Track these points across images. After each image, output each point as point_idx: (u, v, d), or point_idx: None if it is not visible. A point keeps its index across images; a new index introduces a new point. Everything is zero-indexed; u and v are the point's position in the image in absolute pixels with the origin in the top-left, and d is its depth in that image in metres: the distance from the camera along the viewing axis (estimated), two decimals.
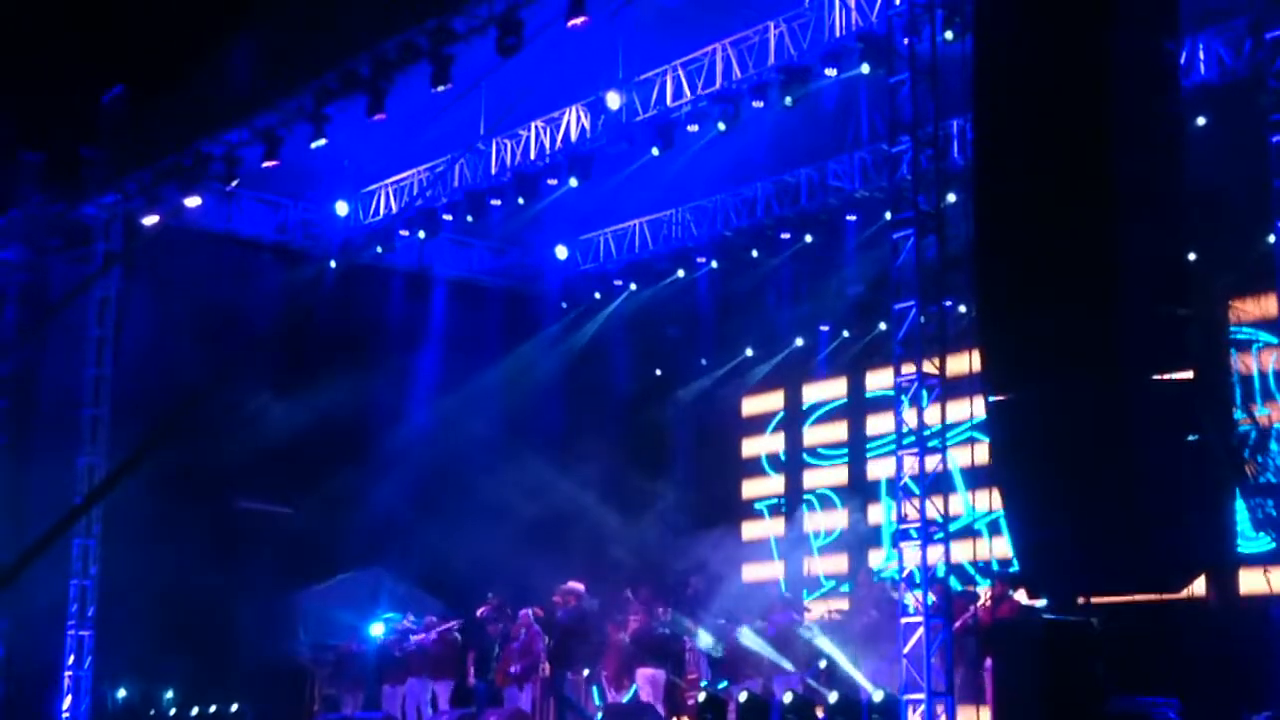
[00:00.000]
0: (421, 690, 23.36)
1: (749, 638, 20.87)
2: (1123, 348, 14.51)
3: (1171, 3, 14.83)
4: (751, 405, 29.51)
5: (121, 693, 25.52)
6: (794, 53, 20.52)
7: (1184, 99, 17.96)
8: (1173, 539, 14.32)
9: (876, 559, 25.82)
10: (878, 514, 26.35)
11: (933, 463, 16.81)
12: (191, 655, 24.81)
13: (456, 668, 23.03)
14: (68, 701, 24.36)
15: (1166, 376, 14.40)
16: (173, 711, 25.22)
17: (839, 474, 27.79)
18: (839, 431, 27.92)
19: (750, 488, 29.16)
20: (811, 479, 28.21)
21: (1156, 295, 14.75)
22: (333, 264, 27.11)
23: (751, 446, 29.43)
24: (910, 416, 17.00)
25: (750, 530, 28.76)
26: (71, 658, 24.44)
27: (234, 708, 24.48)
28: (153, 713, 25.29)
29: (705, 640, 21.76)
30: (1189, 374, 14.39)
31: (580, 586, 21.65)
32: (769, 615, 22.22)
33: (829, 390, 28.20)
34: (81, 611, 24.50)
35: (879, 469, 25.93)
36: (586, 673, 22.46)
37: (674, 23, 20.93)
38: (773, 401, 29.19)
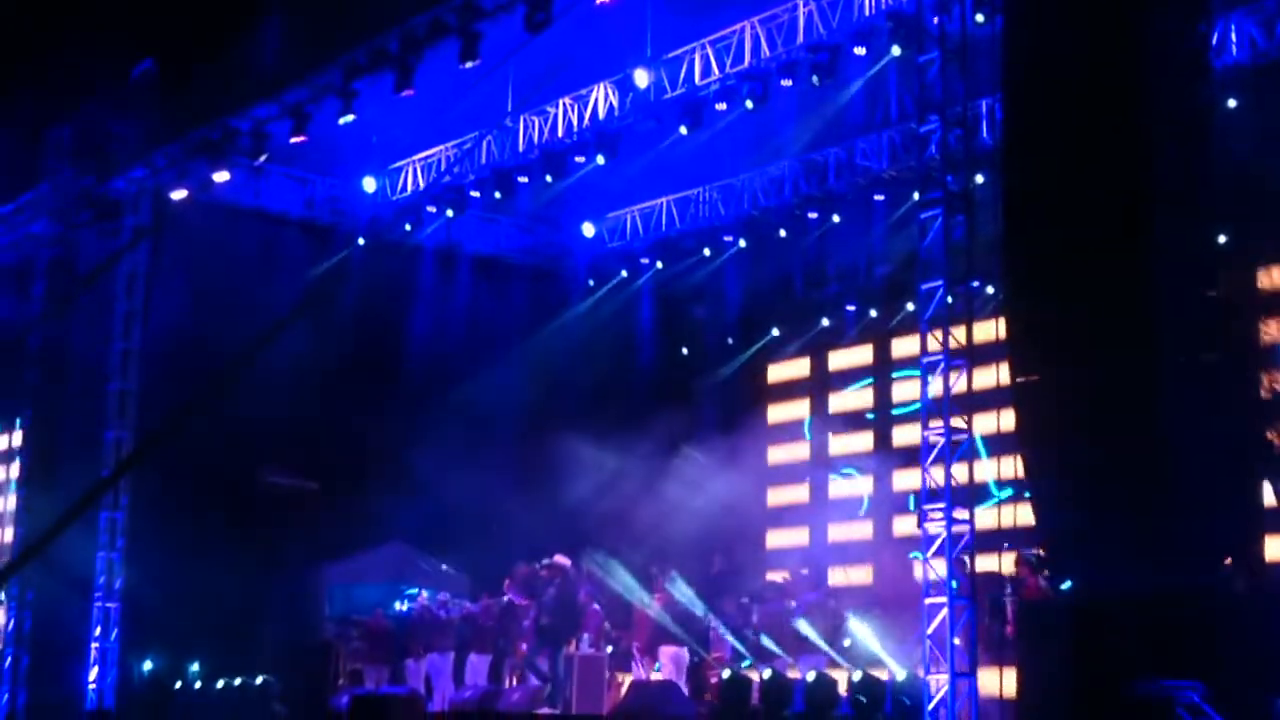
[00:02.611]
0: (443, 664, 23.45)
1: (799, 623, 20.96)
2: (1152, 330, 14.48)
3: None
4: (778, 372, 29.46)
5: (147, 665, 25.63)
6: (823, 31, 20.45)
7: (1216, 80, 17.89)
8: (1200, 521, 14.29)
9: (902, 526, 25.77)
10: (904, 480, 26.22)
11: (958, 443, 16.76)
12: (217, 628, 24.90)
13: (493, 642, 23.03)
14: (94, 673, 24.51)
15: (1195, 358, 14.36)
16: (198, 684, 25.30)
17: (865, 440, 27.71)
18: (865, 398, 27.84)
19: (776, 454, 29.11)
20: (838, 445, 28.15)
21: (1187, 278, 14.72)
22: (360, 241, 27.12)
23: (778, 413, 29.37)
24: (936, 389, 16.95)
25: (776, 496, 28.72)
26: (98, 629, 24.57)
27: (259, 681, 24.55)
28: (178, 685, 25.39)
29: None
30: (1219, 356, 14.35)
31: (567, 561, 21.64)
32: (797, 595, 22.30)
33: (855, 357, 28.10)
34: (109, 584, 24.63)
35: (905, 435, 25.79)
36: (611, 649, 22.47)
37: (703, 0, 20.89)
38: (799, 368, 29.13)
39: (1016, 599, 17.97)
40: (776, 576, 25.62)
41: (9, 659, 25.06)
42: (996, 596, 18.26)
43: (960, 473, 16.76)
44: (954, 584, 16.43)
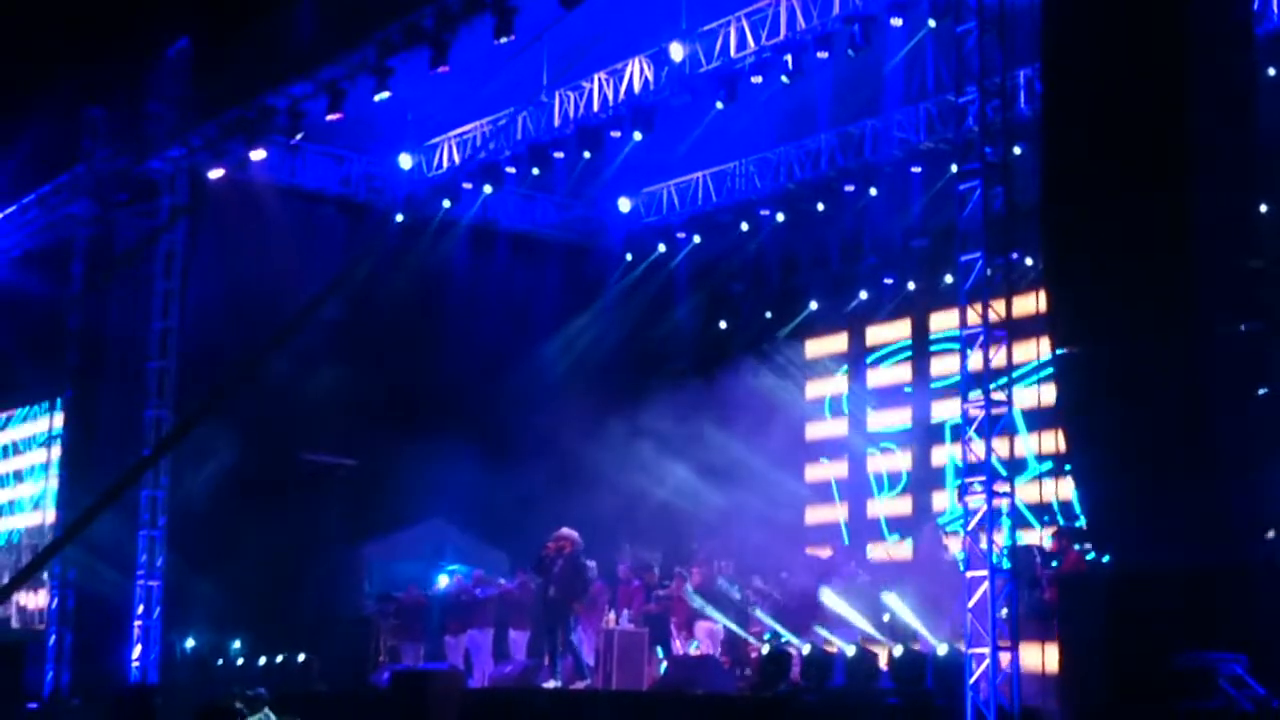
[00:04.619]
0: (483, 640, 23.50)
1: (826, 595, 20.91)
2: (1194, 300, 14.38)
3: None
4: (815, 348, 29.34)
5: (190, 642, 25.80)
6: (859, 2, 20.32)
7: (1258, 49, 17.74)
8: (1243, 493, 14.20)
9: (940, 501, 25.71)
10: (941, 456, 26.13)
11: (997, 416, 16.63)
12: (259, 606, 25.04)
13: (531, 618, 23.05)
14: (137, 651, 24.64)
15: (1238, 329, 14.25)
16: (240, 661, 25.46)
17: (903, 416, 27.59)
18: (903, 373, 27.71)
19: (814, 430, 29.01)
20: (875, 421, 28.03)
21: (1228, 247, 14.60)
22: (399, 217, 27.16)
23: (815, 389, 29.26)
24: (976, 364, 16.83)
25: (813, 473, 28.64)
26: (141, 607, 24.70)
27: (300, 658, 24.69)
28: (220, 662, 25.55)
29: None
30: (1261, 326, 14.24)
31: (574, 533, 21.57)
32: (834, 570, 22.27)
33: (893, 332, 27.95)
34: (150, 562, 24.74)
35: (943, 410, 25.67)
36: (632, 625, 22.49)
37: None
38: (836, 344, 28.99)
39: (1055, 571, 17.89)
40: (820, 552, 25.60)
41: (53, 637, 25.24)
42: (1033, 568, 18.17)
43: (1000, 446, 16.62)
44: (994, 557, 16.33)
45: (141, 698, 23.58)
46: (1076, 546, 18.20)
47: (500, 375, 27.40)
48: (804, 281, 28.79)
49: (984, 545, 16.38)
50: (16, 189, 27.19)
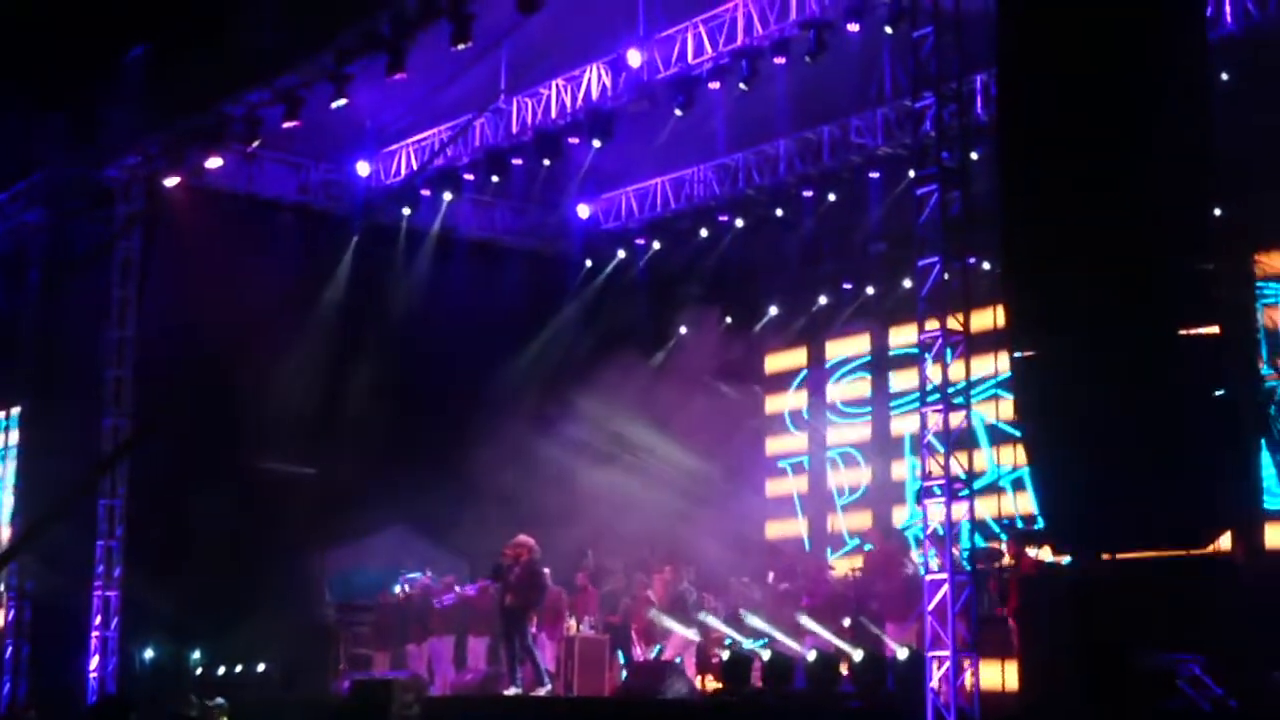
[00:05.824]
0: (444, 648, 23.46)
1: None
2: (1148, 302, 14.46)
3: None
4: (775, 362, 29.45)
5: (149, 653, 25.64)
6: (816, 7, 20.35)
7: (1213, 51, 17.85)
8: (1199, 494, 14.28)
9: (900, 516, 25.85)
10: (902, 470, 26.31)
11: (957, 419, 16.68)
12: (218, 616, 24.90)
13: (491, 625, 22.98)
14: (95, 661, 24.47)
15: (1193, 331, 14.34)
16: (199, 671, 25.33)
17: (863, 430, 27.73)
18: (862, 388, 27.86)
19: (774, 445, 29.12)
20: (835, 436, 28.15)
21: (1182, 250, 14.69)
22: (356, 224, 27.09)
23: (775, 404, 29.38)
24: (934, 373, 16.89)
25: (774, 487, 28.73)
26: (99, 618, 24.53)
27: (260, 668, 24.57)
28: (180, 673, 25.39)
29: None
30: (1215, 329, 14.33)
31: (531, 540, 21.52)
32: (794, 575, 22.33)
33: (852, 347, 28.10)
34: (108, 572, 24.56)
35: (903, 425, 25.84)
36: (593, 631, 22.48)
37: None
38: (795, 358, 29.10)
39: (1011, 574, 17.95)
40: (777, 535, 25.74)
41: (9, 649, 25.05)
42: (985, 572, 18.22)
43: (960, 450, 16.68)
44: (954, 558, 16.38)
45: (118, 711, 23.39)
46: (1031, 552, 18.31)
47: (460, 382, 27.32)
48: (763, 287, 28.88)
49: (944, 548, 16.43)
50: None
